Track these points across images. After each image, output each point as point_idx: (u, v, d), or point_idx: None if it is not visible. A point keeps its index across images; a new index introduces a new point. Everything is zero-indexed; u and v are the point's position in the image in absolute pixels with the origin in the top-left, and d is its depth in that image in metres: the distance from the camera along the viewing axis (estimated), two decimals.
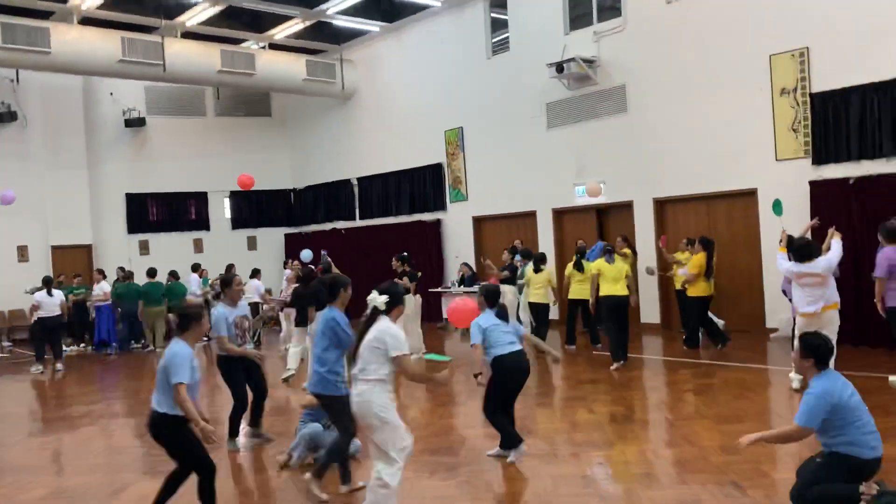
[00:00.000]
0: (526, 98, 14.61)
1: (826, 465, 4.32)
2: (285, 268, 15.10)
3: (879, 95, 10.12)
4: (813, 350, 4.37)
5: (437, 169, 16.72)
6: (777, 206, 9.17)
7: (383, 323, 4.75)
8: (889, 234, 7.76)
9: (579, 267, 11.18)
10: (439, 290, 15.43)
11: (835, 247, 7.61)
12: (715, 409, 7.38)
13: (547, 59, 13.61)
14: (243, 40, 17.67)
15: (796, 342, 7.30)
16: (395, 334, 4.68)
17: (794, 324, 7.93)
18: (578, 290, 11.15)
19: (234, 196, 20.01)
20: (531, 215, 14.91)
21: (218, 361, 6.95)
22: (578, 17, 13.91)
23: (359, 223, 18.90)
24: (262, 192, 19.90)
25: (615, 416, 7.33)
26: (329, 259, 12.64)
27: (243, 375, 6.88)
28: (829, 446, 4.32)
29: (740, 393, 8.03)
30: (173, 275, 15.33)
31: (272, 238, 20.59)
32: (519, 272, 11.99)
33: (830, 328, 7.39)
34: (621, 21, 13.10)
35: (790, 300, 8.39)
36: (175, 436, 4.67)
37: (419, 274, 12.22)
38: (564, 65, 13.27)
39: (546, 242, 14.49)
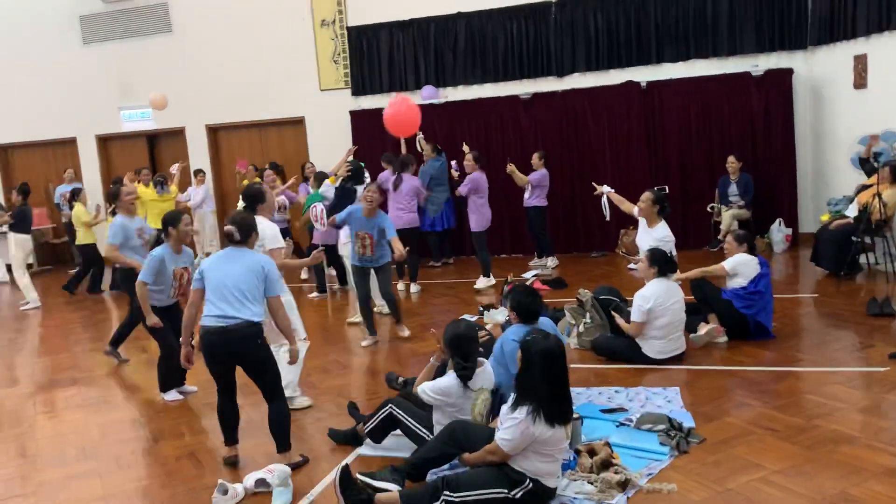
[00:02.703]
0: (54, 7, 12.86)
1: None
2: None
3: (404, 32, 11.26)
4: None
5: None
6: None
7: None
8: (403, 164, 8.85)
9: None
10: None
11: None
12: None
13: None
14: None
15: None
16: None
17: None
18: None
19: None
20: (72, 142, 13.41)
21: None
22: None
23: None
24: None
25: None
26: None
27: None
28: None
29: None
30: None
31: None
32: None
33: None
34: None
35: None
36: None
37: None
38: None
39: (91, 173, 13.23)
